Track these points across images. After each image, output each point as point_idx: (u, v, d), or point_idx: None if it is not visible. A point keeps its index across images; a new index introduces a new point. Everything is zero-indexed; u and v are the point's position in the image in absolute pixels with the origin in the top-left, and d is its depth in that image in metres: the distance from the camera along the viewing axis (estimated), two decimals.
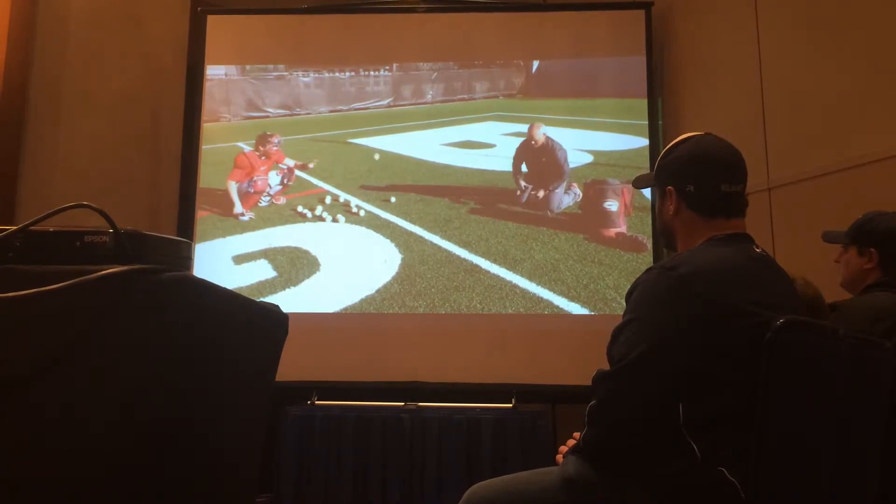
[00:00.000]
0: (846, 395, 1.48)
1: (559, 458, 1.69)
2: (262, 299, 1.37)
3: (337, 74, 5.21)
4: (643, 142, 4.88)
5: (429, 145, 5.12)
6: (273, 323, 1.31)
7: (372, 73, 5.20)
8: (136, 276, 1.01)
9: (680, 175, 1.64)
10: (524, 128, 5.06)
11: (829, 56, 4.02)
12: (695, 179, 1.62)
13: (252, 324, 1.22)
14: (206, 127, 5.13)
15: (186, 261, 1.26)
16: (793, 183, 4.08)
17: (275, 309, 1.32)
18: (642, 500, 1.43)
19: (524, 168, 5.01)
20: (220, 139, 5.14)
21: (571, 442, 1.71)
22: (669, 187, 1.65)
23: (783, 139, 4.17)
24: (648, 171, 1.85)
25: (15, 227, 1.10)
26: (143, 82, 5.02)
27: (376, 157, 5.09)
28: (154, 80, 5.09)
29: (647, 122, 4.92)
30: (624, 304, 1.58)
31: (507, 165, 5.01)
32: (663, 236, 1.75)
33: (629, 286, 1.58)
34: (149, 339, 1.00)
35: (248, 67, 5.23)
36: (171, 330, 1.01)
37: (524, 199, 4.96)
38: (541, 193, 4.96)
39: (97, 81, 4.81)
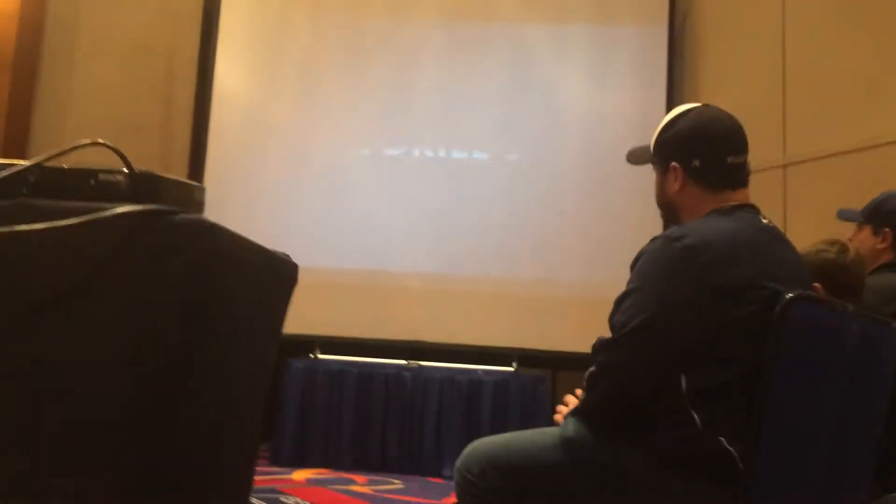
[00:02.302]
0: (852, 372, 1.48)
1: (558, 417, 1.70)
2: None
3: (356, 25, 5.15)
4: (660, 112, 4.83)
5: (441, 100, 5.06)
6: (284, 272, 1.31)
7: (387, 25, 5.14)
8: (151, 215, 1.01)
9: (684, 150, 1.60)
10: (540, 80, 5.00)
11: (853, 34, 3.95)
12: (700, 154, 1.59)
13: (264, 271, 1.22)
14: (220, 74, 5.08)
15: (200, 205, 1.26)
16: (809, 160, 4.04)
17: (285, 258, 1.32)
18: (639, 463, 1.44)
19: None
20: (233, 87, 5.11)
21: (569, 398, 1.72)
22: (674, 163, 1.62)
23: (802, 116, 4.12)
24: (642, 146, 1.79)
25: (30, 162, 1.09)
26: (158, 28, 4.98)
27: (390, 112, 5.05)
28: (169, 26, 5.05)
29: (665, 93, 4.86)
30: (628, 274, 1.57)
31: (518, 126, 4.97)
32: (666, 211, 1.71)
33: (635, 254, 1.57)
34: (161, 280, 1.00)
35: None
36: (184, 272, 1.01)
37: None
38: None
39: (112, 27, 4.77)
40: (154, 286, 1.00)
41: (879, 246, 2.25)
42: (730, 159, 1.58)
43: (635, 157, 1.82)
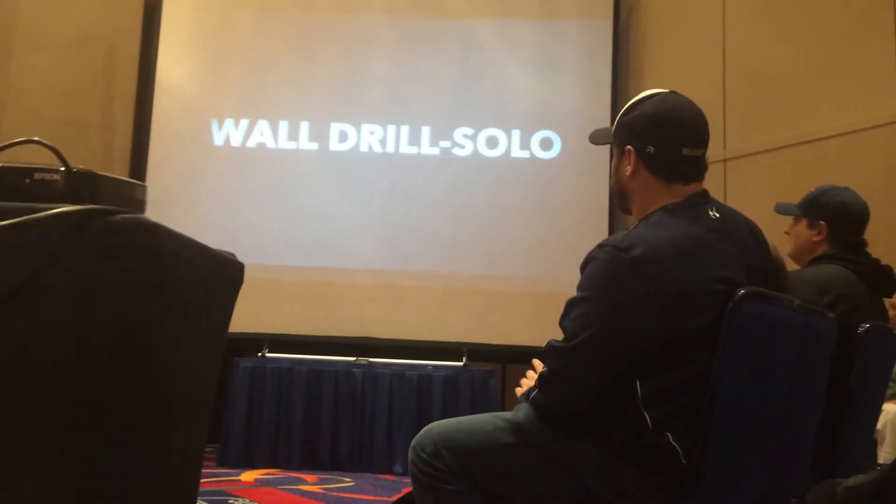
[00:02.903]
0: (796, 364, 1.52)
1: (518, 390, 1.71)
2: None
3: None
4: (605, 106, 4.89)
5: (389, 95, 5.05)
6: (229, 271, 1.29)
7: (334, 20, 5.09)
8: (89, 216, 0.98)
9: (641, 135, 1.58)
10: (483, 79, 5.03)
11: (792, 31, 4.06)
12: (656, 141, 1.55)
13: (207, 270, 1.20)
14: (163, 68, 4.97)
15: (141, 204, 1.23)
16: (748, 155, 4.15)
17: (230, 257, 1.30)
18: (588, 451, 1.46)
19: None
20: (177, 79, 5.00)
21: (530, 376, 1.72)
22: (629, 146, 1.61)
23: (741, 112, 4.23)
24: (607, 127, 1.77)
25: None
26: (98, 21, 4.85)
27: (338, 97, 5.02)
28: (110, 18, 4.92)
29: (609, 88, 4.92)
30: (576, 268, 1.57)
31: (466, 121, 4.98)
32: (617, 196, 1.70)
33: (582, 254, 1.55)
34: (101, 282, 0.98)
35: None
36: (124, 274, 0.99)
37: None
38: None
39: (50, 19, 4.63)
40: (93, 289, 0.97)
41: (815, 238, 2.31)
42: (685, 150, 1.55)
43: (597, 137, 1.80)
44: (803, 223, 2.35)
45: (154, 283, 1.03)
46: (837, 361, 1.75)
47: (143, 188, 1.25)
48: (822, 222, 2.29)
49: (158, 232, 1.03)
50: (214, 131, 4.96)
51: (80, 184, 1.07)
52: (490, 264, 4.82)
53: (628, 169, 1.61)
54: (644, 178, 1.59)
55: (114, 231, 0.99)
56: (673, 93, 1.64)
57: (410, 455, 1.64)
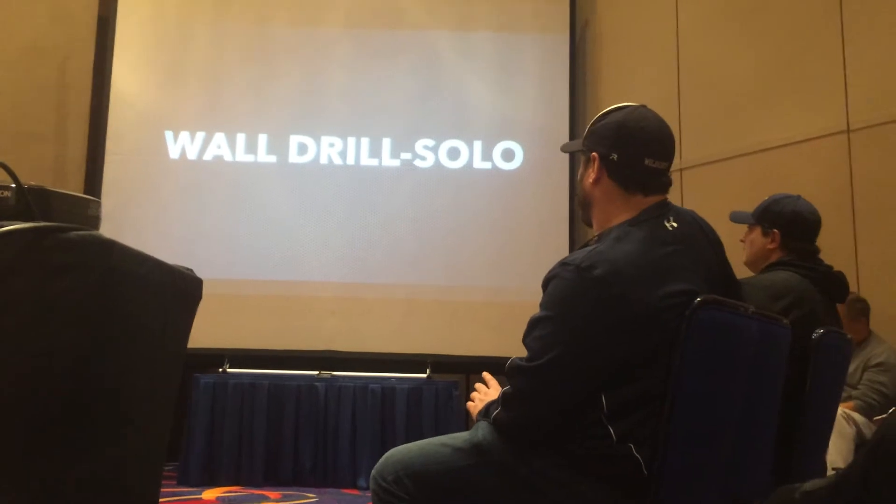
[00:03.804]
0: (753, 370, 1.54)
1: (470, 405, 1.71)
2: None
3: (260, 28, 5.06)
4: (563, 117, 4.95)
5: (349, 107, 5.04)
6: (187, 287, 1.27)
7: (292, 32, 5.07)
8: (41, 233, 0.96)
9: (607, 142, 1.61)
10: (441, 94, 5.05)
11: (743, 44, 4.16)
12: (620, 148, 1.58)
13: (165, 286, 1.18)
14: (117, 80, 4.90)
15: (95, 220, 1.21)
16: (704, 164, 4.22)
17: (188, 273, 1.28)
18: (548, 466, 1.46)
19: None
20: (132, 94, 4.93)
21: (481, 390, 1.72)
22: (594, 153, 1.63)
23: (696, 122, 4.31)
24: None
25: None
26: (50, 32, 4.76)
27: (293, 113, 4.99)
28: (62, 29, 4.83)
29: (567, 99, 4.98)
30: (538, 279, 1.57)
31: (427, 133, 4.99)
32: (581, 206, 1.72)
33: (544, 264, 1.56)
34: (55, 300, 0.96)
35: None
36: (78, 291, 0.97)
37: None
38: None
39: (1, 29, 4.53)
40: (47, 307, 0.95)
41: (769, 246, 2.36)
42: (647, 161, 1.57)
43: (568, 146, 1.83)
44: (757, 231, 2.40)
45: (109, 300, 1.01)
46: (793, 366, 1.78)
47: (98, 204, 1.23)
48: (775, 230, 2.34)
49: (113, 249, 1.02)
50: (170, 144, 4.89)
51: (33, 200, 1.05)
52: (453, 276, 4.82)
53: (592, 175, 1.63)
54: (606, 186, 1.62)
55: (67, 248, 0.97)
56: (643, 106, 1.67)
57: (372, 485, 1.63)
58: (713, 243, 1.65)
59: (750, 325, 1.53)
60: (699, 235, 1.62)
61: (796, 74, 3.91)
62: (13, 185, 1.05)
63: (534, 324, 1.51)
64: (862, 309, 3.52)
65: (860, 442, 3.20)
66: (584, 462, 1.44)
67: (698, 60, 4.39)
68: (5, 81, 4.56)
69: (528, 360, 1.49)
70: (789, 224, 2.33)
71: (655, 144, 1.60)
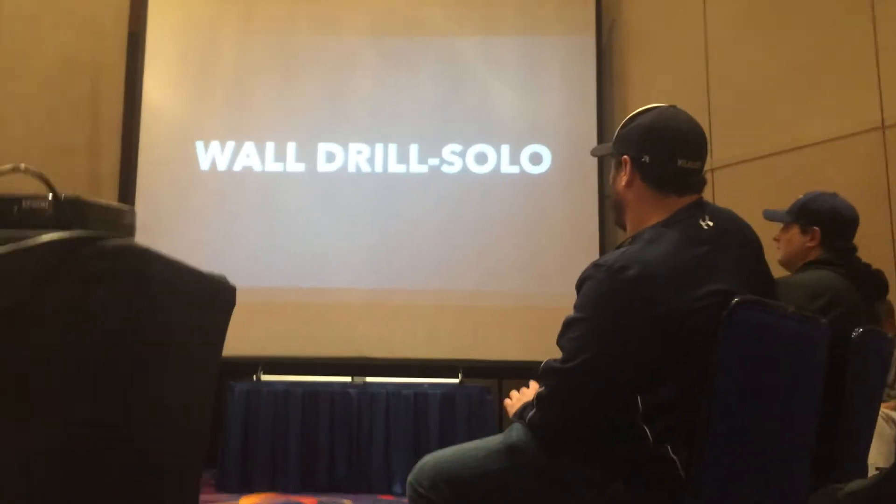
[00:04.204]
0: (791, 371, 1.52)
1: (507, 403, 1.70)
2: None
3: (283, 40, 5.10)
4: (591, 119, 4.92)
5: (374, 114, 5.06)
6: (220, 294, 1.28)
7: (318, 41, 5.11)
8: (78, 242, 0.97)
9: (637, 144, 1.59)
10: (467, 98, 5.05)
11: (772, 41, 4.10)
12: (651, 150, 1.56)
13: (199, 294, 1.19)
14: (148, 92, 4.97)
15: (130, 229, 1.22)
16: (735, 164, 4.17)
17: (222, 280, 1.29)
18: (583, 468, 1.45)
19: None
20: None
21: (517, 397, 1.71)
22: (625, 156, 1.62)
23: (726, 121, 4.26)
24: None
25: None
26: (81, 46, 4.85)
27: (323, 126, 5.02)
28: (93, 43, 4.92)
29: (594, 101, 4.95)
30: (568, 282, 1.57)
31: (454, 138, 4.99)
32: (614, 210, 1.71)
33: (574, 267, 1.55)
34: (91, 309, 0.97)
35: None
36: (114, 299, 0.98)
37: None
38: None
39: (33, 46, 4.62)
40: (83, 316, 0.96)
41: (809, 244, 2.32)
42: (680, 161, 1.56)
43: (598, 149, 1.82)
44: (795, 229, 2.36)
45: (145, 308, 1.02)
46: (832, 366, 1.75)
47: (133, 213, 1.24)
48: (815, 228, 2.30)
49: (148, 256, 1.03)
50: (200, 155, 4.95)
51: (69, 210, 1.06)
52: (482, 280, 4.81)
53: (624, 179, 1.62)
54: (639, 188, 1.60)
55: (104, 256, 0.98)
56: (672, 106, 1.65)
57: (409, 491, 1.63)
58: (751, 242, 1.62)
59: (788, 325, 1.50)
60: (736, 234, 1.59)
61: (828, 70, 3.85)
62: (50, 196, 1.06)
63: (568, 325, 1.50)
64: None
65: None
66: (619, 463, 1.43)
67: (727, 58, 4.34)
68: (39, 97, 4.65)
69: (561, 361, 1.48)
70: (829, 221, 2.29)
71: (687, 144, 1.59)
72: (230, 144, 4.96)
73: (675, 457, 1.37)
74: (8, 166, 1.08)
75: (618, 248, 1.59)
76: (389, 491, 4.34)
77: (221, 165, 4.95)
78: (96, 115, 4.95)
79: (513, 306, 4.78)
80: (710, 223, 1.55)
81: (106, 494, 1.00)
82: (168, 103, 4.99)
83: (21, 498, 0.96)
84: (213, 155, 4.95)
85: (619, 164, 1.64)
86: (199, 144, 4.95)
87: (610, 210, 1.75)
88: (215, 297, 1.26)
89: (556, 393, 1.49)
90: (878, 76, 3.70)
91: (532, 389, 1.72)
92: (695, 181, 1.59)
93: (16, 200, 1.07)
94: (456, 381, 4.64)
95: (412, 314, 4.80)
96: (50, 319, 0.96)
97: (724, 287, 1.44)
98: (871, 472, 2.25)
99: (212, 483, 4.36)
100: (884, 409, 3.16)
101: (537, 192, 4.94)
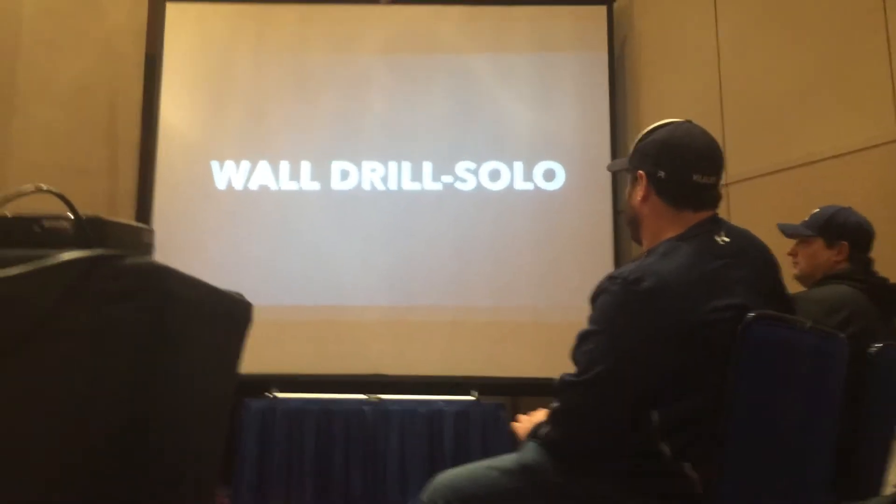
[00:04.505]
0: (809, 386, 1.51)
1: (517, 426, 1.70)
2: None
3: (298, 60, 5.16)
4: (605, 135, 4.93)
5: (388, 133, 5.09)
6: (237, 311, 1.29)
7: (331, 60, 5.16)
8: (98, 261, 0.99)
9: (652, 160, 1.59)
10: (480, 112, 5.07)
11: (786, 54, 4.10)
12: (667, 166, 1.57)
13: (217, 312, 1.21)
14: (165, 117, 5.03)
15: (148, 248, 1.24)
16: (749, 179, 4.16)
17: (238, 297, 1.30)
18: (598, 486, 1.44)
19: None
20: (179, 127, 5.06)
21: (526, 419, 1.71)
22: (640, 172, 1.62)
23: (740, 136, 4.25)
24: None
25: None
26: (99, 70, 4.92)
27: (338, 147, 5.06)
28: (111, 66, 4.99)
29: (608, 117, 4.96)
30: (583, 298, 1.56)
31: (467, 155, 5.01)
32: (630, 225, 1.71)
33: (588, 283, 1.55)
34: (113, 325, 0.98)
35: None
36: (133, 317, 0.99)
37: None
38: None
39: (52, 70, 4.70)
40: (104, 333, 0.98)
41: (835, 258, 2.31)
42: (695, 177, 1.56)
43: (613, 165, 1.84)
44: (819, 243, 2.35)
45: (164, 326, 1.03)
46: (850, 382, 1.74)
47: (151, 232, 1.26)
48: (843, 242, 2.29)
49: (167, 274, 1.04)
50: (216, 174, 4.99)
51: (89, 230, 1.08)
52: (497, 297, 4.81)
53: (640, 194, 1.63)
54: (654, 203, 1.61)
55: (123, 275, 1.00)
56: (688, 121, 1.66)
57: None
58: (770, 263, 1.62)
59: (806, 340, 1.49)
60: (754, 253, 1.59)
61: (842, 83, 3.84)
62: (71, 216, 1.08)
63: (582, 338, 1.50)
64: None
65: None
66: (636, 480, 1.42)
67: (740, 73, 4.35)
68: (58, 120, 4.71)
69: (576, 375, 1.48)
70: (855, 235, 2.29)
71: (703, 159, 1.59)
72: (245, 164, 5.00)
73: (692, 474, 1.36)
74: (29, 186, 1.11)
75: (633, 261, 1.59)
76: None
77: (237, 185, 4.99)
78: (114, 136, 5.01)
79: (528, 323, 4.77)
80: (727, 239, 1.55)
81: None
82: (184, 124, 5.05)
83: None
84: (228, 174, 5.00)
85: (635, 180, 1.64)
86: (215, 164, 5.00)
87: (625, 225, 1.74)
88: (233, 314, 1.27)
89: (571, 407, 1.49)
90: (893, 89, 3.69)
91: (541, 413, 1.72)
92: (710, 196, 1.60)
93: (37, 220, 1.09)
94: (471, 398, 4.63)
95: (427, 331, 4.80)
96: (71, 337, 0.98)
97: (739, 301, 1.44)
98: (889, 490, 2.22)
99: (227, 500, 4.36)
100: None
101: (551, 208, 4.94)
